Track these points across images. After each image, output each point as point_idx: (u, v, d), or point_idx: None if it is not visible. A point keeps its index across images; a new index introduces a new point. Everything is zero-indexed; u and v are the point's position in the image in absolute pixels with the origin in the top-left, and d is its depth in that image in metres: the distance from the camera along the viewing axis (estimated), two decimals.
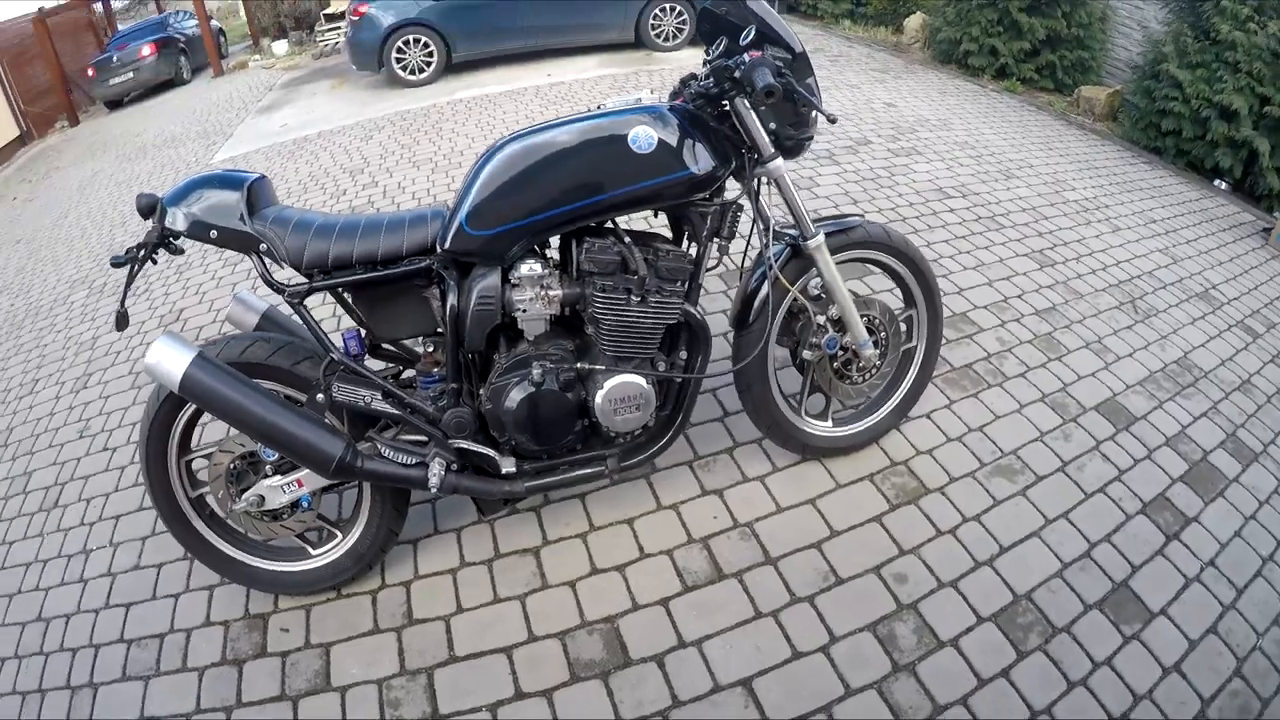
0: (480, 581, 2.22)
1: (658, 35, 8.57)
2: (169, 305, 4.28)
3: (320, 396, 1.95)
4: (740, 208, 2.02)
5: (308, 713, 2.00)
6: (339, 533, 2.21)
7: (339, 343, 1.98)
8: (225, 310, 2.72)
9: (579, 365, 1.95)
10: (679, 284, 1.93)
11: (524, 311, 1.91)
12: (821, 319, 2.16)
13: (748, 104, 1.85)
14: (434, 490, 1.95)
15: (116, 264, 1.82)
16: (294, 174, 5.98)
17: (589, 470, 2.09)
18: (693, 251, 2.02)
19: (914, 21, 8.45)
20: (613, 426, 2.00)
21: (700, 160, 1.87)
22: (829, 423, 2.36)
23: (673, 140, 1.84)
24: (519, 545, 2.29)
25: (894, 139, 5.03)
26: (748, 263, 2.19)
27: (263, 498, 2.06)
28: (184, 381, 1.80)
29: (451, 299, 1.87)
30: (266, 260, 1.88)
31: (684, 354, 2.08)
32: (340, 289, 1.92)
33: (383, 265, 1.88)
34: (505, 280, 1.89)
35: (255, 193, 1.88)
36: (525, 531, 2.32)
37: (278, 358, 1.97)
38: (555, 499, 2.41)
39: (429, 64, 8.41)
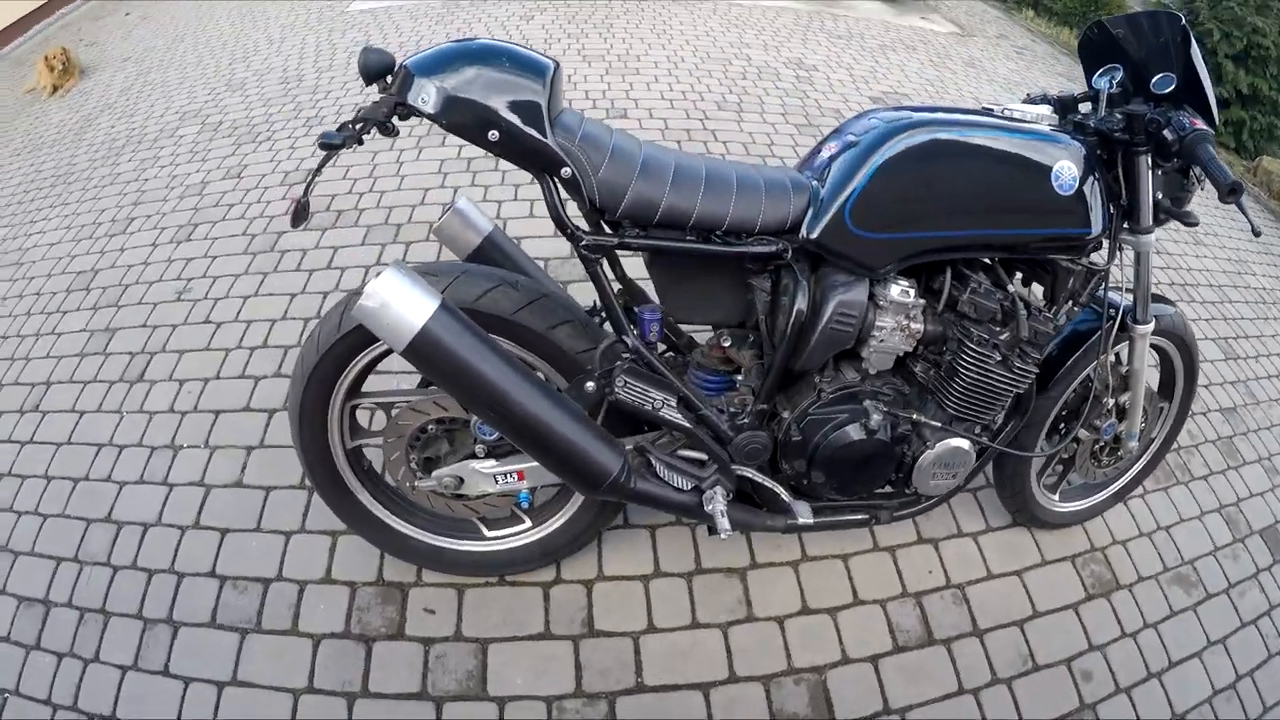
0: (678, 598, 1.65)
1: None
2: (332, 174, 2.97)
3: (590, 385, 1.28)
4: (1107, 275, 1.46)
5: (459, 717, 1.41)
6: (528, 520, 1.56)
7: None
8: (436, 215, 1.76)
9: (914, 416, 1.40)
10: (1042, 348, 1.40)
11: (879, 340, 1.34)
12: (1110, 402, 1.65)
13: (1150, 166, 1.31)
14: (724, 534, 1.34)
15: (327, 145, 1.04)
16: (446, 39, 4.42)
17: (861, 517, 1.55)
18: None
19: None
20: (923, 489, 1.49)
21: (1098, 215, 1.32)
22: (1057, 496, 1.91)
23: (1085, 185, 1.29)
24: (724, 563, 1.72)
25: None
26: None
27: (462, 480, 1.38)
28: (418, 342, 1.08)
29: (801, 302, 1.25)
30: (564, 190, 1.16)
31: (1000, 418, 1.56)
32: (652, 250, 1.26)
33: (724, 237, 1.21)
34: (871, 296, 1.31)
35: (554, 90, 1.13)
36: (731, 547, 1.75)
37: (530, 315, 1.25)
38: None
39: None
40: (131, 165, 3.37)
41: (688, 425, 1.33)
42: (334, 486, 1.45)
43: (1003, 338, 1.35)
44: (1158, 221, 1.42)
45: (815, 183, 1.25)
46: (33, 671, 1.48)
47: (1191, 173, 1.33)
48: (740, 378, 1.42)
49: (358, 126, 1.06)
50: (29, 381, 2.16)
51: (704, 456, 1.40)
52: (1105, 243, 1.41)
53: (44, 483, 1.83)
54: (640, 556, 1.67)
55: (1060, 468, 1.84)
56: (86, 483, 1.80)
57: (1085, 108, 1.42)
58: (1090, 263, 1.41)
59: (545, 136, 1.09)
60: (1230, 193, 1.17)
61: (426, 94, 1.06)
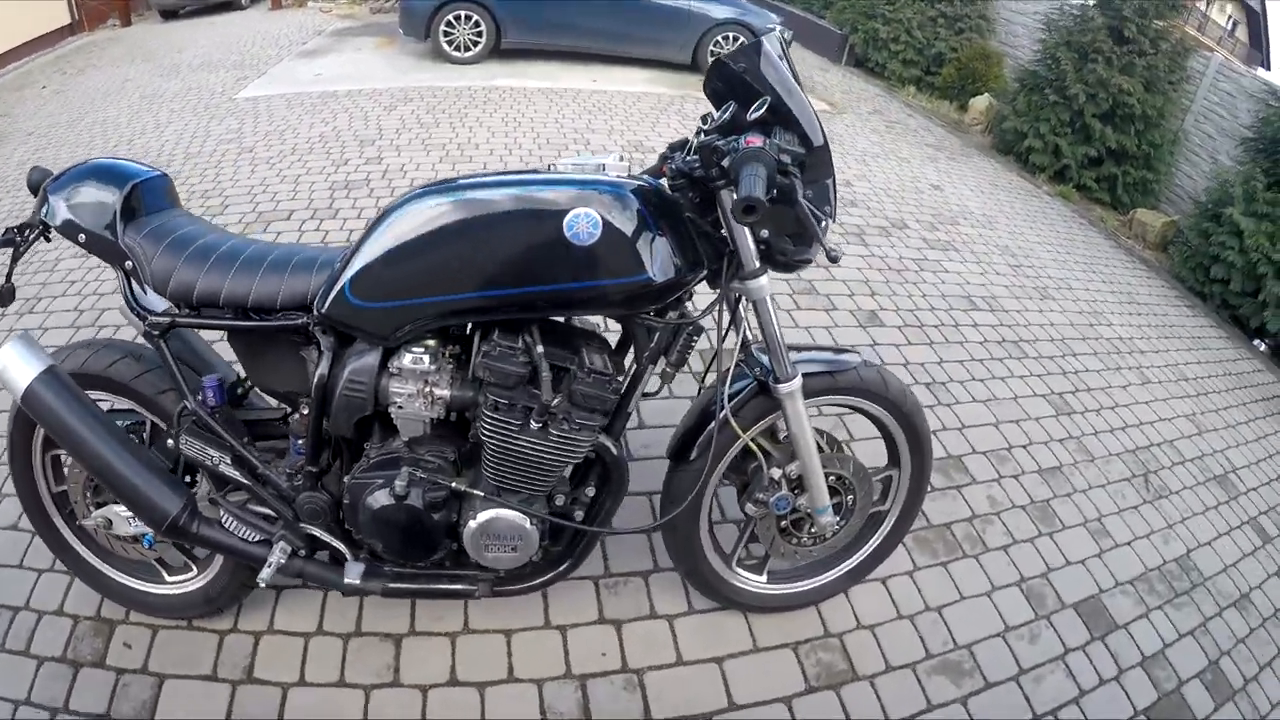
0: (331, 657, 1.64)
1: None
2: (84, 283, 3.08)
3: (170, 442, 1.39)
4: (698, 331, 1.34)
5: None
6: (194, 568, 1.65)
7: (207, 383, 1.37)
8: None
9: (454, 484, 1.31)
10: (597, 414, 1.27)
11: (399, 408, 1.28)
12: (777, 473, 1.46)
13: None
14: (263, 583, 1.37)
15: None
16: (307, 129, 4.91)
17: (456, 587, 1.47)
18: (631, 366, 1.36)
19: (980, 103, 7.07)
20: (481, 560, 1.38)
21: (659, 263, 1.19)
22: (764, 577, 1.69)
23: (627, 230, 1.16)
24: (382, 628, 1.68)
25: (932, 227, 4.10)
26: (709, 380, 1.48)
27: (110, 521, 1.51)
28: (27, 396, 1.30)
29: (322, 368, 1.26)
30: (133, 280, 1.31)
31: (590, 491, 1.42)
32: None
33: (253, 313, 1.28)
34: (385, 364, 1.26)
35: (141, 195, 1.33)
36: (394, 613, 1.71)
37: (143, 383, 1.41)
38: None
39: (476, 44, 6.71)
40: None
41: (246, 482, 1.36)
42: (45, 525, 1.61)
43: (521, 404, 1.23)
44: (778, 265, 1.26)
45: (340, 261, 1.23)
46: None
47: (799, 203, 1.10)
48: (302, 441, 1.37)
49: (20, 233, 1.31)
50: None
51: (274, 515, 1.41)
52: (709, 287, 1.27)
53: None
54: (309, 614, 1.68)
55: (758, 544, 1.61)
56: None
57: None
58: (677, 318, 1.26)
59: (113, 236, 1.28)
60: (744, 211, 1.00)
61: (53, 210, 1.30)
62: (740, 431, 1.36)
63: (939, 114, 7.12)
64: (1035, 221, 4.77)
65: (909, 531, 1.75)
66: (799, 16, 9.49)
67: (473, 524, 1.32)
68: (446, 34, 6.63)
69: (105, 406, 1.49)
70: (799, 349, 1.44)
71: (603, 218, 1.14)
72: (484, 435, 1.26)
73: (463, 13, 6.55)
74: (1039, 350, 3.00)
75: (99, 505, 1.53)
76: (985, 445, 2.35)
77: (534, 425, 1.24)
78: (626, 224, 1.15)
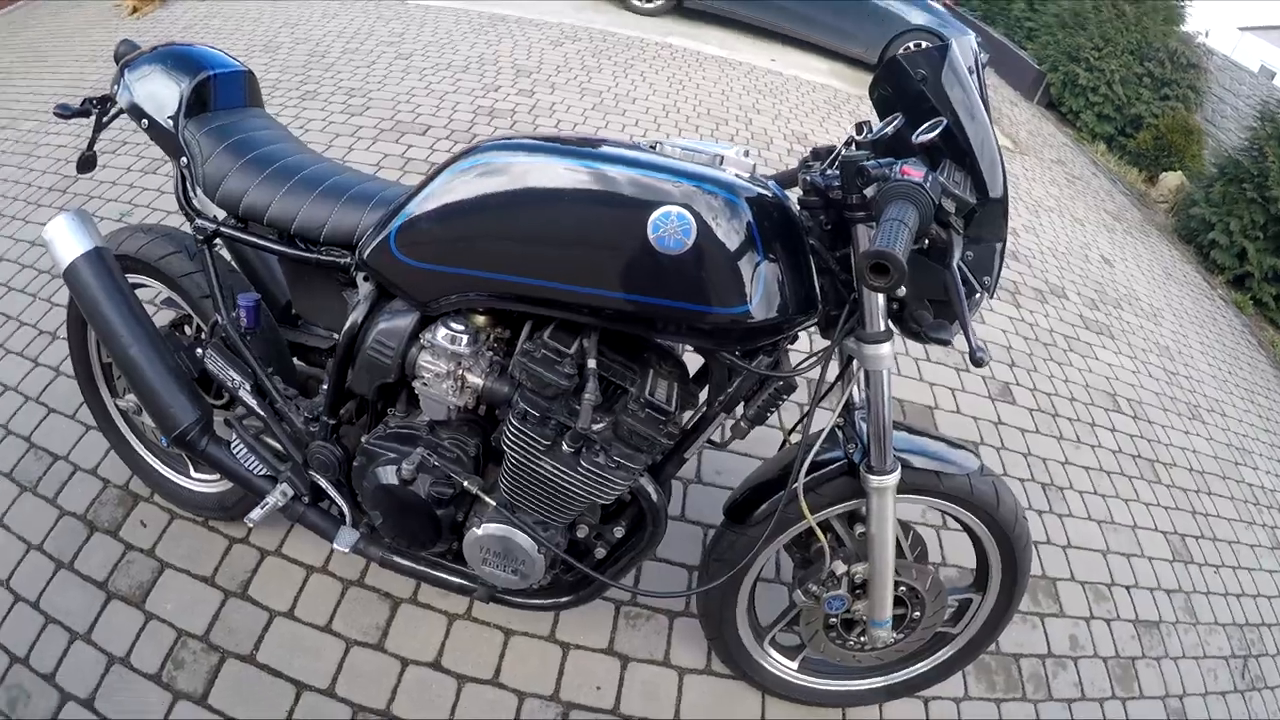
0: (326, 599, 1.58)
1: None
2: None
3: (199, 351, 1.34)
4: (790, 389, 1.12)
5: (112, 617, 1.53)
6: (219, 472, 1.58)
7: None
8: None
9: (465, 483, 1.16)
10: (642, 454, 1.07)
11: (424, 384, 1.14)
12: (841, 569, 1.24)
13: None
14: (250, 523, 1.29)
15: (61, 114, 1.30)
16: (467, 48, 4.79)
17: (456, 580, 1.35)
18: (702, 406, 1.18)
19: (1172, 179, 6.29)
20: (477, 570, 1.25)
21: (761, 295, 0.96)
22: (795, 664, 1.49)
23: (728, 244, 0.93)
24: (385, 586, 1.61)
25: (1094, 305, 3.65)
26: (795, 439, 1.23)
27: (141, 408, 1.49)
28: (68, 272, 1.29)
29: (355, 316, 1.15)
30: (188, 177, 1.27)
31: (619, 532, 1.25)
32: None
33: (295, 240, 1.20)
34: (419, 333, 1.13)
35: (213, 89, 1.28)
36: (399, 576, 1.60)
37: (190, 283, 1.37)
38: None
39: None
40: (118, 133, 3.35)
41: (260, 412, 1.29)
42: (93, 394, 1.64)
43: (556, 420, 1.06)
44: (909, 332, 1.03)
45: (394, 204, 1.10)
46: None
47: (952, 269, 0.89)
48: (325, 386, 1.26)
49: (93, 104, 1.32)
50: None
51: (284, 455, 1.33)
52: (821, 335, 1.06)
53: None
54: (319, 549, 1.62)
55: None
56: None
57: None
58: (765, 370, 1.06)
59: (174, 129, 1.24)
60: (872, 270, 0.77)
61: (125, 90, 1.29)
62: (807, 513, 1.15)
63: (1125, 180, 6.41)
64: (1203, 327, 4.21)
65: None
66: (998, 41, 8.79)
67: (477, 532, 1.19)
68: None
69: (163, 294, 1.47)
70: (909, 432, 1.21)
71: (698, 222, 0.92)
72: (505, 444, 1.11)
73: None
74: (1173, 478, 2.60)
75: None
76: (1087, 574, 2.04)
77: (565, 449, 1.08)
78: (728, 236, 0.93)
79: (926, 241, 0.88)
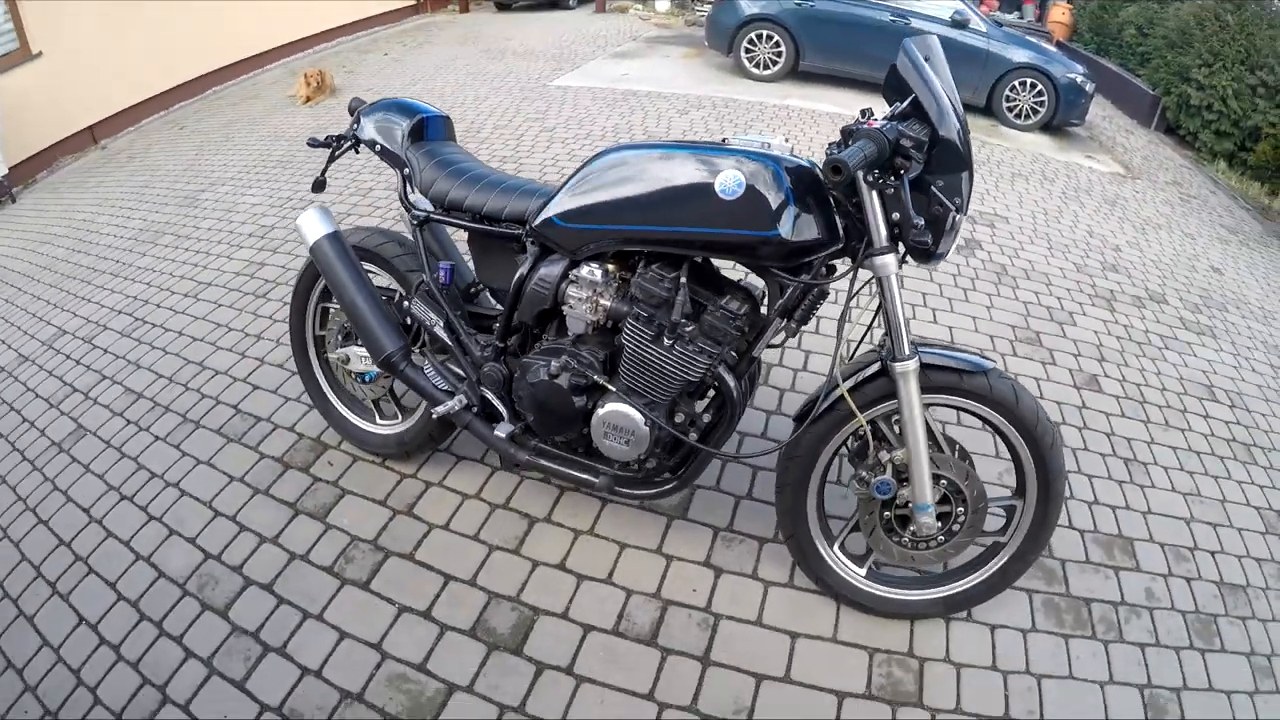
0: (476, 517, 2.01)
1: (1010, 109, 6.66)
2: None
3: (407, 303, 1.88)
4: (823, 294, 1.52)
5: (296, 528, 1.99)
6: (400, 416, 2.15)
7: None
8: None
9: (595, 377, 1.62)
10: (719, 346, 1.53)
11: (570, 308, 1.65)
12: (885, 456, 1.54)
13: (868, 182, 1.33)
14: (436, 413, 1.81)
15: (312, 144, 1.93)
16: (604, 119, 5.55)
17: (580, 475, 1.77)
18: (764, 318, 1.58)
19: None
20: (599, 447, 1.68)
21: (790, 224, 1.38)
22: (863, 571, 1.73)
23: (768, 194, 1.38)
24: (525, 507, 2.03)
25: (1196, 309, 3.63)
26: (860, 352, 1.62)
27: (348, 358, 2.05)
28: (314, 247, 1.87)
29: (523, 268, 1.67)
30: (408, 183, 1.85)
31: (708, 418, 1.66)
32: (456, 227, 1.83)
33: (484, 220, 1.75)
34: (568, 273, 1.63)
35: (425, 126, 1.90)
36: (539, 499, 2.05)
37: (399, 261, 1.95)
38: (582, 490, 2.05)
39: (775, 62, 7.10)
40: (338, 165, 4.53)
41: (448, 341, 1.79)
42: (303, 357, 2.18)
43: (659, 321, 1.52)
44: (910, 246, 1.36)
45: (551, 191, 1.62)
46: None
47: (933, 189, 1.30)
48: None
49: (336, 141, 1.92)
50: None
51: (463, 375, 1.82)
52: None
53: None
54: (474, 480, 2.07)
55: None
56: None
57: None
58: (806, 281, 1.44)
59: (399, 150, 1.85)
60: (832, 170, 1.19)
61: (363, 127, 1.91)
62: (855, 408, 1.47)
63: (1246, 195, 6.18)
64: None
65: (1024, 574, 1.70)
66: (1111, 71, 8.74)
67: (600, 411, 1.63)
68: (748, 51, 7.13)
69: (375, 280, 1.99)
70: (935, 344, 1.53)
71: (747, 180, 1.37)
72: (625, 339, 1.58)
73: (765, 31, 7.02)
74: (1272, 461, 2.59)
75: (344, 344, 2.05)
76: (1167, 537, 2.12)
77: (666, 340, 1.54)
78: (767, 189, 1.37)
79: (884, 168, 1.29)
